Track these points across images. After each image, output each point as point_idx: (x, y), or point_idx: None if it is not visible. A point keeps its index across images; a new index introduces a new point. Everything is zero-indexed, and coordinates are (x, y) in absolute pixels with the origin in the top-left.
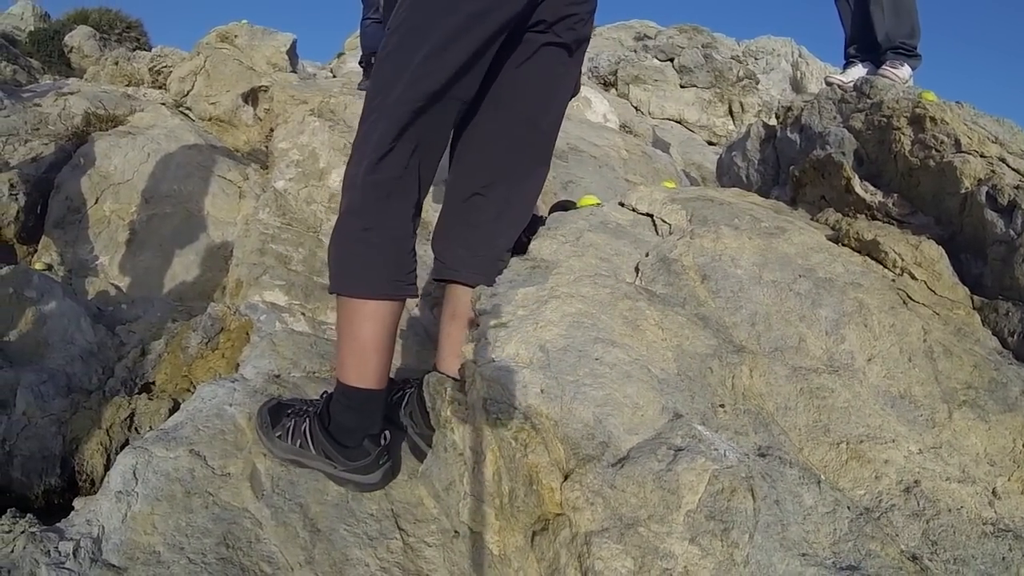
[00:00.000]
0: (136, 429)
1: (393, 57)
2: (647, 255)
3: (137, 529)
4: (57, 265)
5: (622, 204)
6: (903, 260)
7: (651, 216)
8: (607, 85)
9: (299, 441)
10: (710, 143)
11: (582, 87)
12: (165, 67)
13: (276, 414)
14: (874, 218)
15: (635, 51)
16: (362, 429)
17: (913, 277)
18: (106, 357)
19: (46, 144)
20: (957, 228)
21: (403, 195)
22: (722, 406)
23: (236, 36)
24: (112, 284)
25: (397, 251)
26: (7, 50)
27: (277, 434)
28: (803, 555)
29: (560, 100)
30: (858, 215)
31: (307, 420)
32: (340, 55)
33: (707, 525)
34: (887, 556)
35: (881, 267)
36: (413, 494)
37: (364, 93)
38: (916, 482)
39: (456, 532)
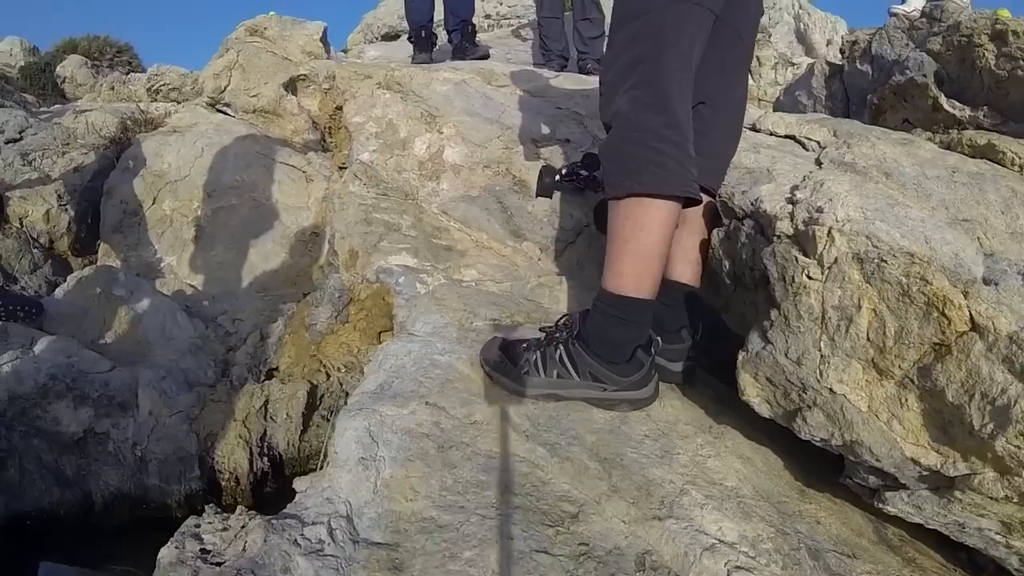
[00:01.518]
0: (271, 417)
1: None
2: (818, 161)
3: (395, 497)
4: None
5: (757, 129)
6: (1021, 158)
7: (793, 137)
8: None
9: (556, 371)
10: None
11: None
12: (164, 85)
13: (510, 352)
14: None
15: None
16: (634, 341)
17: None
18: (213, 350)
19: (84, 154)
20: None
21: (688, 95)
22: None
23: (266, 28)
24: (186, 283)
25: (690, 150)
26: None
27: (523, 371)
28: None
29: (757, 17)
30: (948, 131)
31: (560, 347)
32: (345, 51)
33: None
34: None
35: (1001, 167)
36: (667, 413)
37: (423, 66)
38: None
39: (803, 406)
